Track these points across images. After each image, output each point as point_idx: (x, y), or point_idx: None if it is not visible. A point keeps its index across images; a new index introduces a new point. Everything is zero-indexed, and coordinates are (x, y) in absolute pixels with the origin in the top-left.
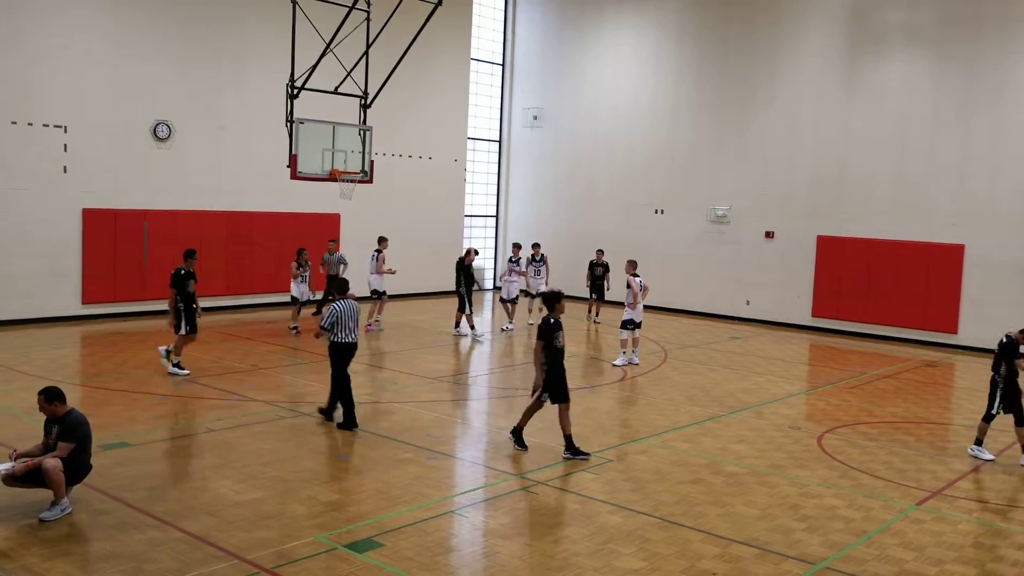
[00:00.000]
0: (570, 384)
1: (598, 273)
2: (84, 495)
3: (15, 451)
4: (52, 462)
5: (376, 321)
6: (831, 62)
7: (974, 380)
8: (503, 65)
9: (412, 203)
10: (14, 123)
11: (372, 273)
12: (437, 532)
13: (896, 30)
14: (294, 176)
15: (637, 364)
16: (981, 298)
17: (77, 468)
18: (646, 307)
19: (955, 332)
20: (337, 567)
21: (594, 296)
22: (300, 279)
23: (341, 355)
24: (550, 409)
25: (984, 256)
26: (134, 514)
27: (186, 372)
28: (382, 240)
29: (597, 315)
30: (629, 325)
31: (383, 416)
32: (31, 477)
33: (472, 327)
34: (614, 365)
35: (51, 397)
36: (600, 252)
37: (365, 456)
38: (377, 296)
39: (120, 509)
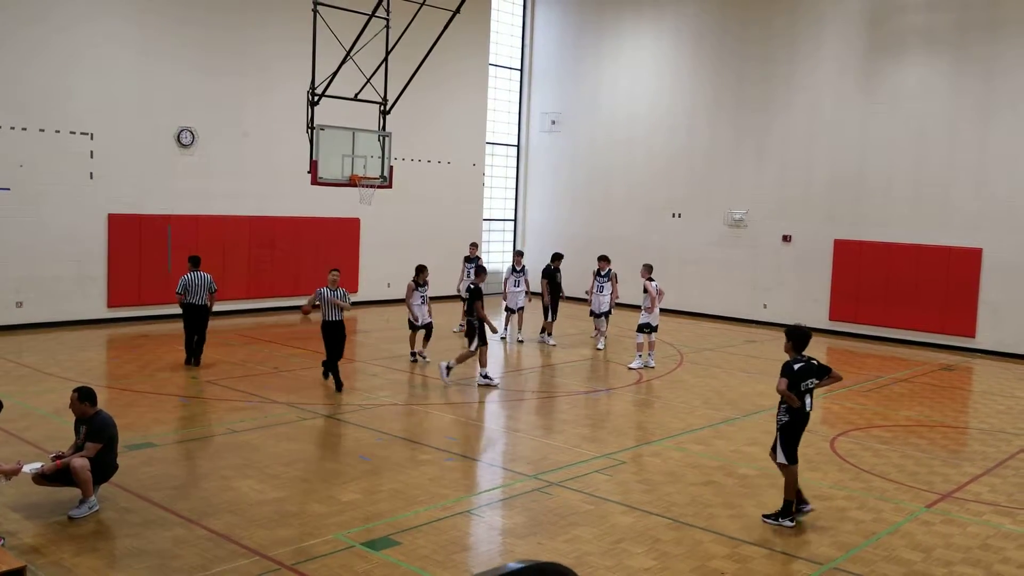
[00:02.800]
0: (586, 387)
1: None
2: (111, 493)
3: (58, 453)
4: (80, 461)
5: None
6: (849, 65)
7: (991, 384)
8: (521, 70)
9: (431, 208)
10: (42, 130)
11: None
12: (453, 531)
13: (914, 33)
14: (315, 182)
15: (653, 367)
16: (999, 302)
17: (104, 467)
18: (662, 310)
19: (973, 336)
20: (355, 564)
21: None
22: (420, 300)
23: (189, 313)
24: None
25: (1002, 260)
26: (159, 512)
27: (493, 381)
28: (520, 255)
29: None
30: (645, 329)
31: (402, 418)
32: (60, 476)
33: (549, 334)
34: (630, 368)
35: (83, 397)
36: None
37: (384, 457)
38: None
39: (146, 507)
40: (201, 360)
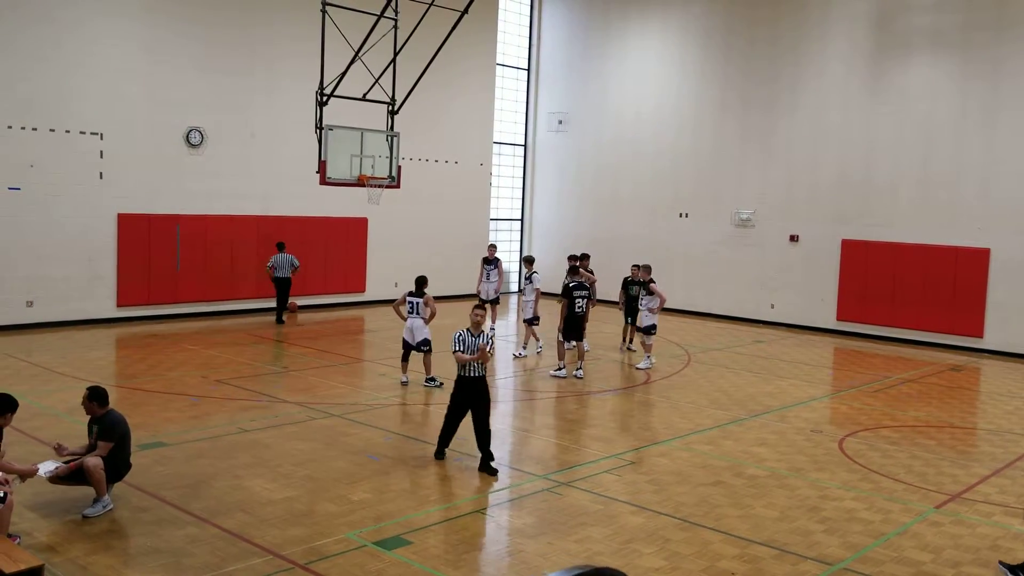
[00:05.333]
0: (594, 387)
1: (633, 292)
2: (124, 492)
3: (58, 444)
4: (93, 461)
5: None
6: (856, 66)
7: (999, 384)
8: (528, 70)
9: (438, 207)
10: (52, 130)
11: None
12: (463, 531)
13: (921, 34)
14: (323, 182)
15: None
16: (1007, 302)
17: (117, 466)
18: (670, 310)
19: (981, 336)
20: (367, 563)
21: (629, 320)
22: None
23: (276, 284)
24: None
25: (1010, 260)
26: (172, 511)
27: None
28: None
29: (631, 342)
30: (652, 330)
31: (410, 418)
32: (74, 475)
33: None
34: (637, 368)
35: (93, 396)
36: (636, 268)
37: (393, 457)
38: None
39: (159, 506)
40: (284, 318)
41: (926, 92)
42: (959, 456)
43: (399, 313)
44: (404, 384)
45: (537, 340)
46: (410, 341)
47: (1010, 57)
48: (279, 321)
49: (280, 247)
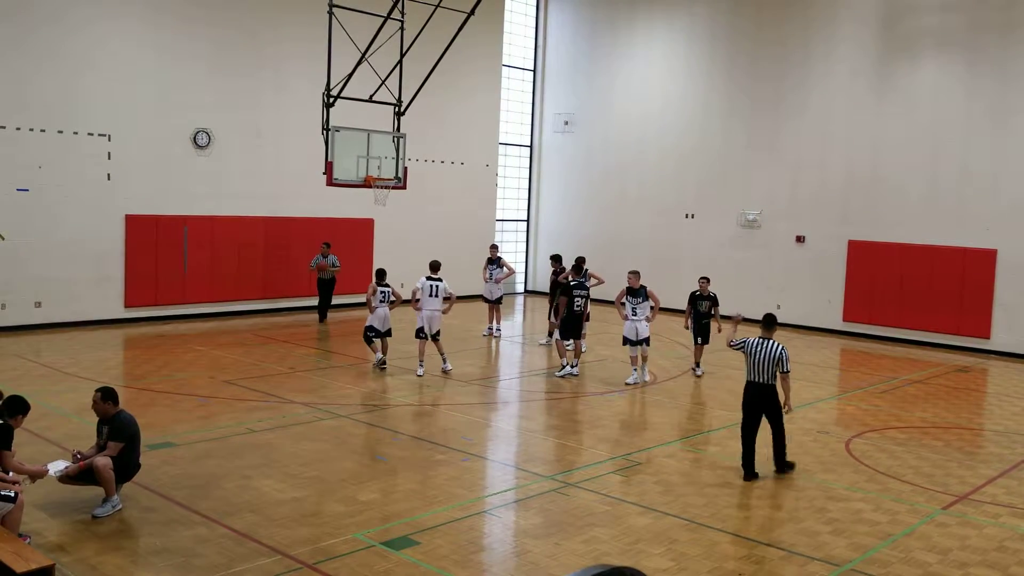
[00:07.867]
0: (600, 388)
1: (704, 309)
2: (133, 492)
3: (78, 452)
4: (103, 461)
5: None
6: (862, 67)
7: (1006, 386)
8: (534, 71)
9: (444, 208)
10: (60, 132)
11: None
12: (471, 531)
13: (928, 35)
14: (330, 183)
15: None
16: (1014, 303)
17: (127, 466)
18: (675, 311)
19: (988, 337)
20: (375, 563)
21: (699, 340)
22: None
23: (320, 285)
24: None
25: (1017, 261)
26: (181, 511)
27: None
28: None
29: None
30: (646, 343)
31: (418, 418)
32: (84, 475)
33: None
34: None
35: (106, 396)
36: (705, 280)
37: (401, 457)
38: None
39: (168, 506)
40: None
41: (933, 93)
42: (966, 457)
43: (370, 305)
44: (381, 364)
45: (421, 364)
46: (381, 328)
47: (1017, 58)
48: (323, 320)
49: (327, 245)
